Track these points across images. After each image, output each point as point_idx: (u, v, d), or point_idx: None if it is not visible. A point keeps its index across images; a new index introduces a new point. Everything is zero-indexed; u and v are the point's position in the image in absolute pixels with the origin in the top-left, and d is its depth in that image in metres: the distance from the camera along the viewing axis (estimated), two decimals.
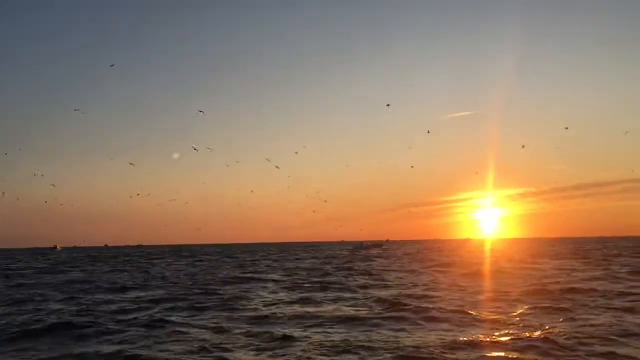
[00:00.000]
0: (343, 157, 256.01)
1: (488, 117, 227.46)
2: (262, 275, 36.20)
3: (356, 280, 30.31)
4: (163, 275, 38.66)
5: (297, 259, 65.20)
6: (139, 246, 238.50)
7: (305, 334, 14.19)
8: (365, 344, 12.69)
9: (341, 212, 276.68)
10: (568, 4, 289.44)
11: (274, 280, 31.69)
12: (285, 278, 33.39)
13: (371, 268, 42.02)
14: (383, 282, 28.85)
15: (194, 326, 15.73)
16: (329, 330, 14.72)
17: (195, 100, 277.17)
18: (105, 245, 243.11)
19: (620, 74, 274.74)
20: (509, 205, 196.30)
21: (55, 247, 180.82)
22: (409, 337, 13.54)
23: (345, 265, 47.48)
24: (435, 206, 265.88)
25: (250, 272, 39.98)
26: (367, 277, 32.64)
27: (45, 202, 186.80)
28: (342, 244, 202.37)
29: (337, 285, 27.17)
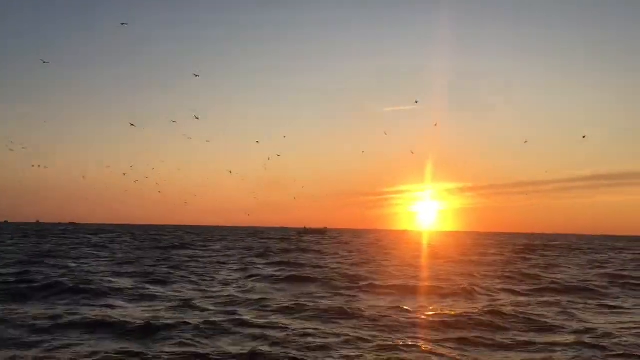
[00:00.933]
0: (280, 145, 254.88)
1: (429, 111, 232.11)
2: (220, 253, 35.42)
3: (319, 260, 30.18)
4: (111, 250, 37.07)
5: (249, 241, 64.39)
6: (71, 223, 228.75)
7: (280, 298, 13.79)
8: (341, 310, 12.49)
9: (278, 199, 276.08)
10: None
11: (235, 260, 31.03)
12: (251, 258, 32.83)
13: (328, 250, 42.07)
14: (350, 262, 28.85)
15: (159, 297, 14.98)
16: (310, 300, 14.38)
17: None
18: (37, 221, 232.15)
19: (563, 73, 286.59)
20: (447, 199, 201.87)
21: None
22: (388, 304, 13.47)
23: (300, 247, 47.28)
24: (373, 197, 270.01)
25: (202, 250, 39.06)
26: (330, 258, 32.60)
27: None
28: (281, 230, 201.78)
29: (299, 263, 26.97)
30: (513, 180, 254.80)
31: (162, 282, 18.11)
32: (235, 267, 24.96)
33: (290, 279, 19.22)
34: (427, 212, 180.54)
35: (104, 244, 44.96)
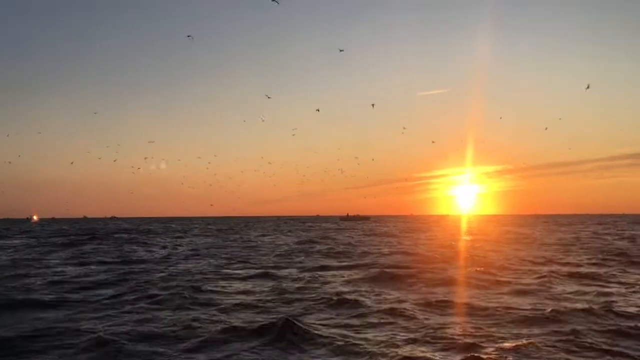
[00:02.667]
0: (319, 134, 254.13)
1: (464, 94, 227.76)
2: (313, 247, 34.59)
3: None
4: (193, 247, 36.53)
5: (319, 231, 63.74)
6: (112, 218, 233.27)
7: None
8: None
9: (314, 188, 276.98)
10: None
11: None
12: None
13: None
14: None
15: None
16: None
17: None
18: (84, 217, 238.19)
19: (599, 52, 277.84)
20: (486, 182, 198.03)
21: (31, 218, 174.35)
22: None
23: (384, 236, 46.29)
24: (411, 182, 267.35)
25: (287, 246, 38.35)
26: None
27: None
28: (319, 218, 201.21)
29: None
30: (548, 161, 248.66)
31: None
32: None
33: None
34: (467, 195, 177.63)
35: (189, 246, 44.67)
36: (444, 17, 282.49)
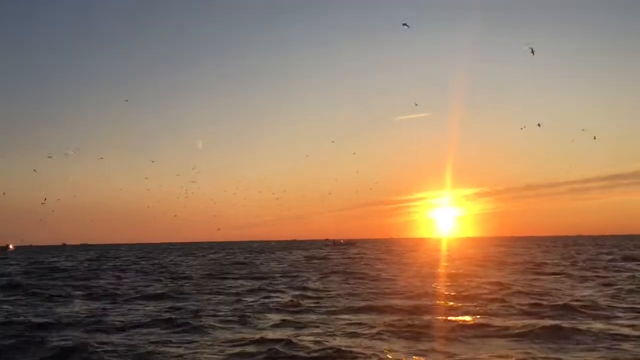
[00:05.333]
0: (298, 157, 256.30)
1: (443, 119, 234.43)
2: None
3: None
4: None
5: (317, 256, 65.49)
6: (63, 245, 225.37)
7: None
8: None
9: (295, 211, 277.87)
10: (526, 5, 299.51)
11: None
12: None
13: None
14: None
15: None
16: None
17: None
18: (64, 244, 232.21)
19: (577, 75, 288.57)
20: (464, 205, 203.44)
21: (7, 247, 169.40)
22: None
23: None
24: (391, 205, 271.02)
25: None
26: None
27: None
28: (302, 242, 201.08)
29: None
30: (528, 183, 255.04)
31: None
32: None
33: None
34: (446, 218, 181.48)
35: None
36: (425, 42, 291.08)
